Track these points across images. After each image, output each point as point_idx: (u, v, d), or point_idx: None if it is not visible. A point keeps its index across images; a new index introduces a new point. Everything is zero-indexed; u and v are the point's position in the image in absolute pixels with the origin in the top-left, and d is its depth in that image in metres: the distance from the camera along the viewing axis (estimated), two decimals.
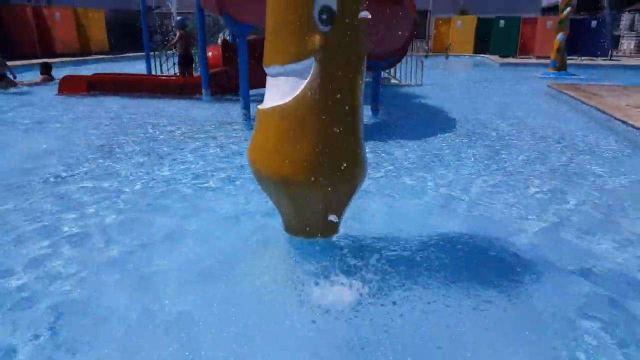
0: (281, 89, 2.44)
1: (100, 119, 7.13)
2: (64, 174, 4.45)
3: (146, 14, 12.88)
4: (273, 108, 2.49)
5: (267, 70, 2.49)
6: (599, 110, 7.47)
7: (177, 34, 11.21)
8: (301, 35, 2.28)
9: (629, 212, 3.67)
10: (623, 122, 6.50)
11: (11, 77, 10.39)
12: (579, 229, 3.35)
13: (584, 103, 8.24)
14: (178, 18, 11.97)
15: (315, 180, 2.46)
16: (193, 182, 4.27)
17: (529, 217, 3.56)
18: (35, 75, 11.59)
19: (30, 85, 10.82)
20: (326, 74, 2.35)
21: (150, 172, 4.54)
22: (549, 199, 3.95)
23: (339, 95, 2.41)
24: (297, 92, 2.39)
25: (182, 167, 4.74)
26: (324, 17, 2.23)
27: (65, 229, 3.25)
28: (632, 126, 6.22)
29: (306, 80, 2.36)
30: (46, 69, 11.55)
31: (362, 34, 2.41)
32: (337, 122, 2.43)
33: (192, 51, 11.43)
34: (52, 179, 4.29)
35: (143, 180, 4.30)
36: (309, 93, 2.37)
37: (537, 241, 3.13)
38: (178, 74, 11.60)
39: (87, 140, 5.79)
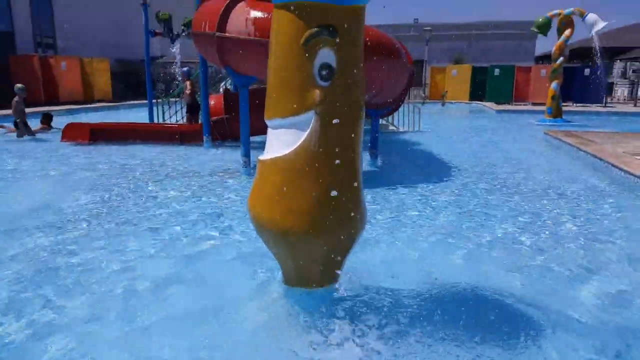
0: (282, 141, 2.48)
1: (98, 170, 7.16)
2: (50, 235, 4.44)
3: (150, 63, 13.22)
4: (273, 159, 2.51)
5: (268, 122, 2.54)
6: (597, 157, 7.54)
7: (188, 83, 11.49)
8: (301, 90, 2.34)
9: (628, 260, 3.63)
10: (621, 169, 6.55)
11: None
12: (578, 280, 3.31)
13: (582, 150, 8.32)
14: (184, 69, 12.29)
15: (315, 231, 2.45)
16: (190, 231, 4.25)
17: (525, 263, 3.52)
18: (36, 123, 11.81)
19: (39, 131, 11.09)
20: (326, 126, 2.39)
21: (146, 221, 4.52)
22: (547, 247, 3.92)
23: (338, 147, 2.44)
24: (298, 144, 2.42)
25: (179, 214, 4.72)
26: (324, 73, 2.29)
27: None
28: (631, 174, 6.25)
29: (306, 133, 2.40)
30: (46, 119, 11.82)
31: (360, 87, 2.47)
32: (337, 173, 2.45)
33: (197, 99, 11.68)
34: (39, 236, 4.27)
35: (135, 237, 4.28)
36: (309, 145, 2.40)
37: (534, 293, 3.08)
38: (183, 122, 11.82)
39: (77, 194, 5.67)
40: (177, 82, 11.95)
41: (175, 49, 12.88)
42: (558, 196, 5.65)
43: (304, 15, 2.30)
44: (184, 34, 12.42)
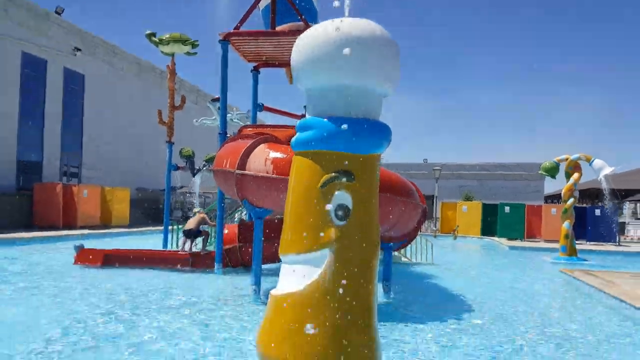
0: (296, 276, 2.49)
1: (106, 294, 7.09)
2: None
3: (170, 193, 13.76)
4: (286, 294, 2.50)
5: (282, 258, 2.58)
6: (620, 300, 7.28)
7: (198, 214, 11.55)
8: (318, 228, 2.41)
9: None
10: None
11: None
12: None
13: (602, 291, 8.07)
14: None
15: None
16: None
17: None
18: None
19: None
20: (340, 264, 2.42)
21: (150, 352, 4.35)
22: None
23: (352, 283, 2.44)
24: (312, 280, 2.43)
25: (186, 346, 4.55)
26: (340, 213, 2.39)
27: None
28: None
29: (320, 269, 2.42)
30: None
31: (375, 226, 2.54)
32: (351, 310, 2.42)
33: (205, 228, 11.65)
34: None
35: None
36: (323, 281, 2.41)
37: None
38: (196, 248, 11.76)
39: (80, 318, 5.61)
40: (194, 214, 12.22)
41: (196, 181, 13.52)
42: (579, 341, 5.37)
43: (322, 162, 2.46)
44: (205, 168, 13.10)
